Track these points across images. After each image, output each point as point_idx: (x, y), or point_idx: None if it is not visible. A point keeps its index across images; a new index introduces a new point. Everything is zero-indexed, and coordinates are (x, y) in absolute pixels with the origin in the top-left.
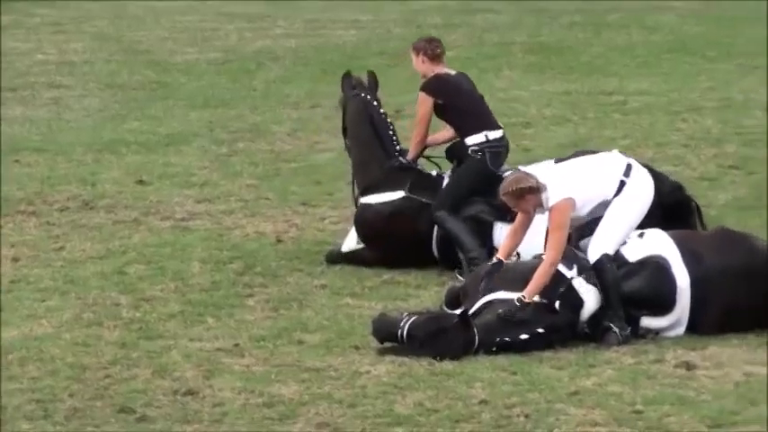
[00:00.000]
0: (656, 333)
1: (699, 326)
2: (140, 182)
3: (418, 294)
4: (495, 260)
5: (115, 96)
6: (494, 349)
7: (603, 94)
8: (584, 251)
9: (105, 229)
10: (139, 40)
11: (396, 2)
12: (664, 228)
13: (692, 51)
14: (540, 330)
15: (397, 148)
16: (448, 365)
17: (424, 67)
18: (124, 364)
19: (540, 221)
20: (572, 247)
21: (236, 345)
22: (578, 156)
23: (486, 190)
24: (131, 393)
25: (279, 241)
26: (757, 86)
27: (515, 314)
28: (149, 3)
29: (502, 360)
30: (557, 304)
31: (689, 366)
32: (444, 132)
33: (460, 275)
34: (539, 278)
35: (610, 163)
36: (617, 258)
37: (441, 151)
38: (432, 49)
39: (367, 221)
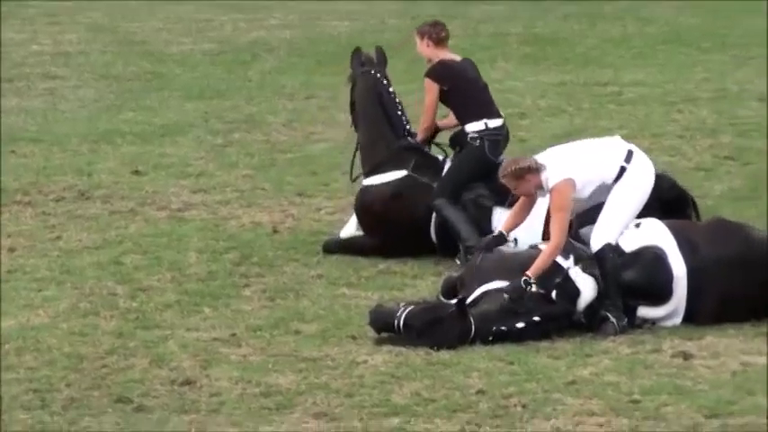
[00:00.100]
0: (652, 323)
1: (695, 315)
2: (136, 172)
3: (415, 284)
4: (496, 233)
5: (110, 87)
6: (490, 338)
7: (599, 85)
8: (585, 240)
9: (101, 220)
10: (134, 30)
11: None
12: (660, 218)
13: (687, 42)
14: (537, 319)
15: (407, 127)
16: (445, 355)
17: (428, 52)
18: (121, 354)
19: (539, 205)
20: (571, 235)
21: (233, 335)
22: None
23: (485, 178)
24: (128, 383)
25: (275, 231)
26: (752, 77)
27: (521, 294)
28: None
29: (499, 350)
30: (553, 294)
31: (686, 356)
32: (453, 117)
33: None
34: (543, 259)
35: (611, 147)
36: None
37: (445, 138)
38: (436, 32)
39: (366, 203)
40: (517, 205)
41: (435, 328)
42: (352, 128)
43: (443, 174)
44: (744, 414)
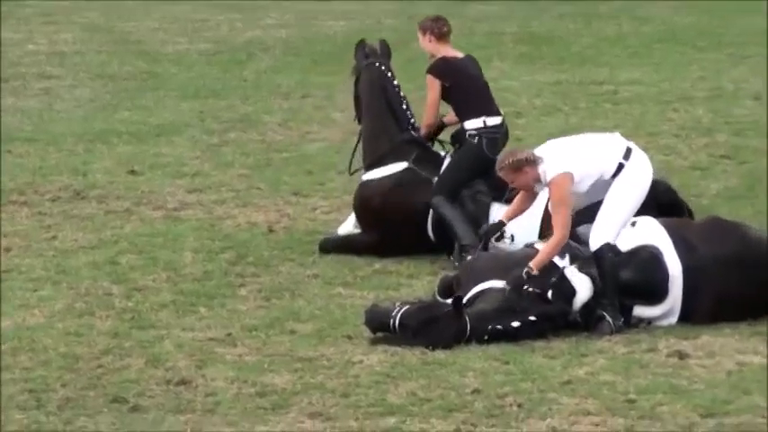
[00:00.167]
0: (648, 322)
1: (691, 315)
2: (132, 172)
3: (410, 284)
4: (496, 221)
5: (106, 87)
6: (486, 338)
7: (594, 84)
8: (583, 238)
9: (97, 219)
10: (130, 30)
11: None
12: (656, 217)
13: (683, 41)
14: (533, 318)
15: (412, 121)
16: (440, 355)
17: (431, 47)
18: (117, 354)
19: (536, 204)
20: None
21: (229, 334)
22: None
23: (484, 175)
24: (124, 383)
25: (271, 231)
26: (748, 76)
27: (521, 285)
28: None
29: (494, 349)
30: (549, 293)
31: (681, 355)
32: None
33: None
34: (547, 252)
35: (610, 143)
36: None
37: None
38: (438, 27)
39: (365, 198)
40: (518, 197)
41: (431, 327)
42: (356, 120)
43: (442, 171)
44: (739, 413)
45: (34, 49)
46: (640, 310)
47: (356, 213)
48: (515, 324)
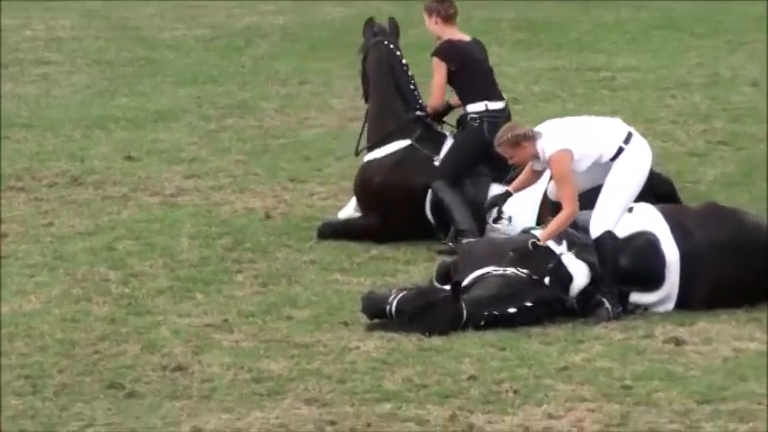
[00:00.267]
0: (645, 308)
1: (688, 301)
2: (129, 158)
3: (407, 270)
4: (503, 191)
5: (103, 73)
6: (482, 323)
7: (592, 71)
8: (583, 224)
9: (94, 205)
10: (128, 16)
11: None
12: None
13: (681, 28)
14: (529, 304)
15: (419, 101)
16: (437, 341)
17: (437, 29)
18: (113, 340)
19: (534, 189)
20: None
21: (225, 320)
22: None
23: (485, 159)
24: (120, 369)
25: (268, 217)
26: (745, 63)
27: (525, 253)
28: None
29: (491, 336)
30: (546, 279)
31: (678, 342)
32: None
33: (449, 242)
34: (558, 223)
35: (611, 126)
36: None
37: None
38: (444, 9)
39: (365, 178)
40: (526, 169)
41: (427, 313)
42: (363, 99)
43: (444, 154)
44: (736, 400)
45: (32, 35)
46: (637, 297)
47: (356, 195)
48: (512, 310)
